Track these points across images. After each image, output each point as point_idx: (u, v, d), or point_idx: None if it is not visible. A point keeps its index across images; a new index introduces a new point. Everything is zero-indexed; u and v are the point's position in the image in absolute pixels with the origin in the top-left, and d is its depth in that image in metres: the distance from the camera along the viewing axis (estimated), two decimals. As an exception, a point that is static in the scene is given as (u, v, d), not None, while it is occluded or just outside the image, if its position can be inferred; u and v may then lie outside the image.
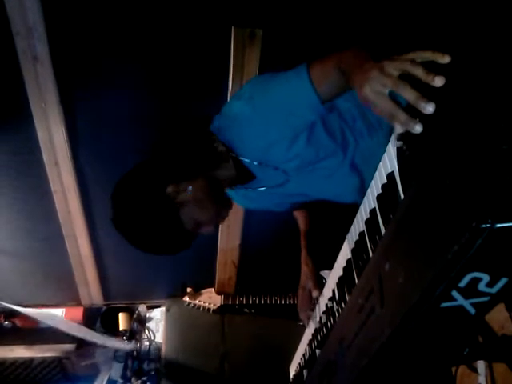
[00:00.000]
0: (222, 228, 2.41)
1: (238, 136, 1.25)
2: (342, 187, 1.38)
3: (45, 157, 1.99)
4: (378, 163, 1.30)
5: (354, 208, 1.09)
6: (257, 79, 1.33)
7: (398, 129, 0.74)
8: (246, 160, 1.28)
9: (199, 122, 1.33)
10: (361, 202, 1.42)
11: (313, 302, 1.49)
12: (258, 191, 1.40)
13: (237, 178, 1.32)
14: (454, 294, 0.60)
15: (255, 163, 1.28)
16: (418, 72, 0.69)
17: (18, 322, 2.66)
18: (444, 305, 0.62)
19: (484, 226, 0.51)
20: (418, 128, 0.68)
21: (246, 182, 1.36)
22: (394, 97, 0.73)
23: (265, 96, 1.18)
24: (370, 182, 1.33)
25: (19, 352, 2.63)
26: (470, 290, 0.59)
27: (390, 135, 0.82)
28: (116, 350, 2.62)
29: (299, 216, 1.67)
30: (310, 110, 1.12)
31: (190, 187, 1.22)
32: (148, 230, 1.23)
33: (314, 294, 1.47)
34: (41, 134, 1.91)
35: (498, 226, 0.51)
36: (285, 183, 1.35)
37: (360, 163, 1.33)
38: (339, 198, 1.44)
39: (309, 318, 1.51)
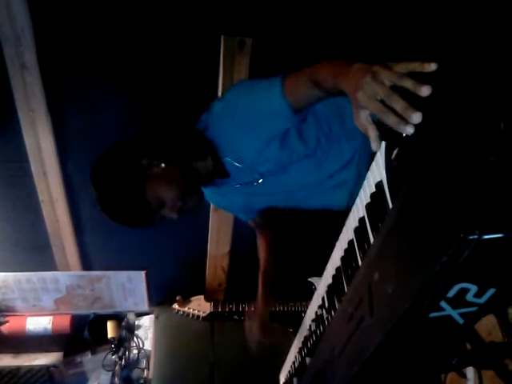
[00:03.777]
0: (211, 234, 2.40)
1: (215, 133, 1.33)
2: (314, 190, 1.44)
3: (33, 166, 1.98)
4: (351, 169, 1.36)
5: (344, 215, 1.10)
6: (241, 82, 1.41)
7: (374, 146, 0.78)
8: (224, 157, 1.35)
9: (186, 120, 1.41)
10: (337, 208, 1.46)
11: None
12: (232, 188, 1.46)
13: (213, 172, 1.38)
14: (443, 304, 0.60)
15: (231, 160, 1.35)
16: (407, 84, 0.72)
17: (4, 331, 2.62)
18: (432, 315, 0.62)
19: (471, 237, 0.51)
20: (409, 129, 0.70)
21: (222, 177, 1.42)
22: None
23: (241, 100, 1.26)
24: (345, 187, 1.38)
25: (6, 361, 2.58)
26: (458, 301, 0.60)
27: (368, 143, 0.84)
28: (105, 359, 2.60)
29: (261, 245, 1.79)
30: (281, 119, 1.19)
31: (164, 164, 1.29)
32: (112, 190, 1.28)
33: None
34: (29, 142, 1.90)
35: (486, 237, 0.51)
36: (258, 183, 1.41)
37: (333, 169, 1.39)
38: (311, 201, 1.50)
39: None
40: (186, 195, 1.32)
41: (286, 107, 1.14)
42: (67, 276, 2.51)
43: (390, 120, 0.72)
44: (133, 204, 1.28)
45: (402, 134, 0.72)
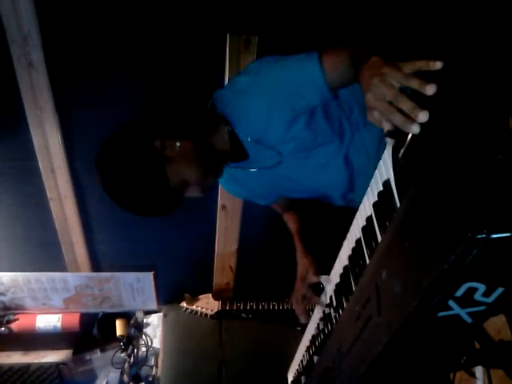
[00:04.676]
0: (218, 233, 2.40)
1: (238, 110, 1.27)
2: (333, 178, 1.40)
3: (41, 163, 1.99)
4: (370, 158, 1.33)
5: (350, 213, 1.09)
6: (267, 57, 1.33)
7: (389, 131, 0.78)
8: (243, 136, 1.29)
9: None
10: (351, 199, 1.41)
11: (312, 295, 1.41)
12: (249, 173, 1.41)
13: (230, 153, 1.32)
14: (451, 303, 0.60)
15: (251, 140, 1.29)
16: (413, 84, 0.73)
17: (14, 328, 2.64)
18: (441, 314, 0.62)
19: (480, 236, 0.51)
20: (415, 128, 0.71)
21: (239, 160, 1.36)
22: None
23: (272, 73, 1.21)
24: (360, 176, 1.37)
25: (16, 358, 2.61)
26: (467, 300, 0.60)
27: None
28: (113, 356, 2.61)
29: (289, 218, 1.67)
30: (315, 94, 1.16)
31: (178, 143, 1.22)
32: (132, 182, 1.20)
33: (313, 279, 1.41)
34: (36, 140, 1.91)
35: (494, 236, 0.51)
36: (277, 165, 1.34)
37: (353, 156, 1.35)
38: (328, 189, 1.45)
39: (306, 314, 1.46)
40: (208, 174, 1.27)
41: (323, 81, 1.13)
42: (76, 276, 2.53)
43: (397, 119, 0.73)
44: (156, 191, 1.21)
45: (408, 134, 0.73)
